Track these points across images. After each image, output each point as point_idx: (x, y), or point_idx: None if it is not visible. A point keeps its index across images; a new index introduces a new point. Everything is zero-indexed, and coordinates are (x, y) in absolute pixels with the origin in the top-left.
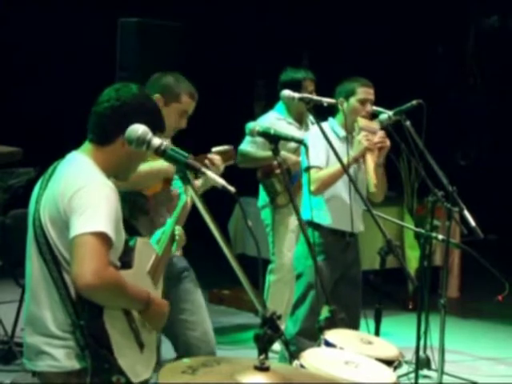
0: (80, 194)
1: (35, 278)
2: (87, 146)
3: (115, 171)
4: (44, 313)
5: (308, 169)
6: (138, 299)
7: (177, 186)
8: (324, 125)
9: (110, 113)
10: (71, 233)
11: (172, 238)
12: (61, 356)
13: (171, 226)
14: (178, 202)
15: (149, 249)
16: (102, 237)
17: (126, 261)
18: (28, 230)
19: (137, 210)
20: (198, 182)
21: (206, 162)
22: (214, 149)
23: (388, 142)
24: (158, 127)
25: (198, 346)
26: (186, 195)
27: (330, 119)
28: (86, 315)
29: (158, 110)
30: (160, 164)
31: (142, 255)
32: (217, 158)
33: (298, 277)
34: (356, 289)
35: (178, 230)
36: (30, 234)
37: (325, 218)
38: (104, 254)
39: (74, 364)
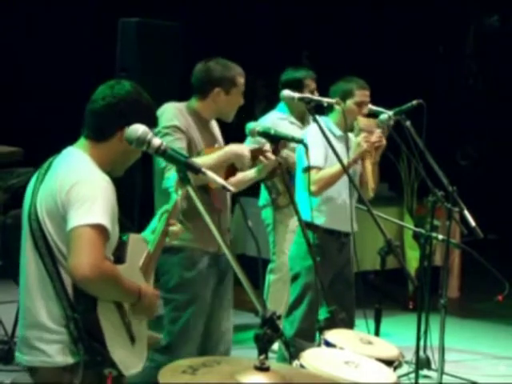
0: (77, 187)
1: (30, 271)
2: (83, 141)
3: (111, 166)
4: (38, 306)
5: (308, 169)
6: (131, 293)
7: (169, 184)
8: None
9: (106, 110)
10: (69, 225)
11: (164, 236)
12: (53, 352)
13: (163, 225)
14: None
15: (141, 245)
16: (100, 229)
17: (118, 256)
18: (23, 225)
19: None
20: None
21: (261, 158)
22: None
23: (384, 141)
24: (152, 123)
25: (215, 345)
26: (176, 194)
27: (325, 118)
28: (80, 308)
29: (151, 105)
30: (221, 152)
31: (135, 251)
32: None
33: (295, 278)
34: (350, 288)
35: (178, 227)
36: (24, 229)
37: (321, 218)
38: (101, 246)
39: (66, 359)
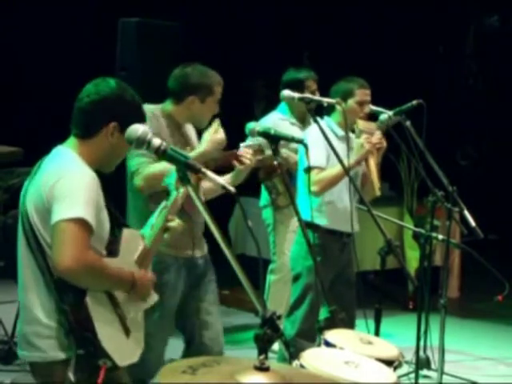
0: (61, 182)
1: (25, 269)
2: (71, 140)
3: (99, 163)
4: (33, 302)
5: (309, 169)
6: (123, 280)
7: (168, 182)
8: (321, 124)
9: (90, 107)
10: (52, 219)
11: (162, 231)
12: (46, 347)
13: (162, 221)
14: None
15: (136, 239)
16: (82, 223)
17: (111, 250)
18: (18, 225)
19: None
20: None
21: (235, 162)
22: (243, 144)
23: (385, 143)
24: (138, 119)
25: (209, 346)
26: (176, 191)
27: (327, 118)
28: (69, 300)
29: (136, 102)
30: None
31: (129, 245)
32: (249, 152)
33: (296, 278)
34: (351, 289)
35: (176, 222)
36: (19, 227)
37: (323, 219)
38: (83, 240)
39: (58, 354)
